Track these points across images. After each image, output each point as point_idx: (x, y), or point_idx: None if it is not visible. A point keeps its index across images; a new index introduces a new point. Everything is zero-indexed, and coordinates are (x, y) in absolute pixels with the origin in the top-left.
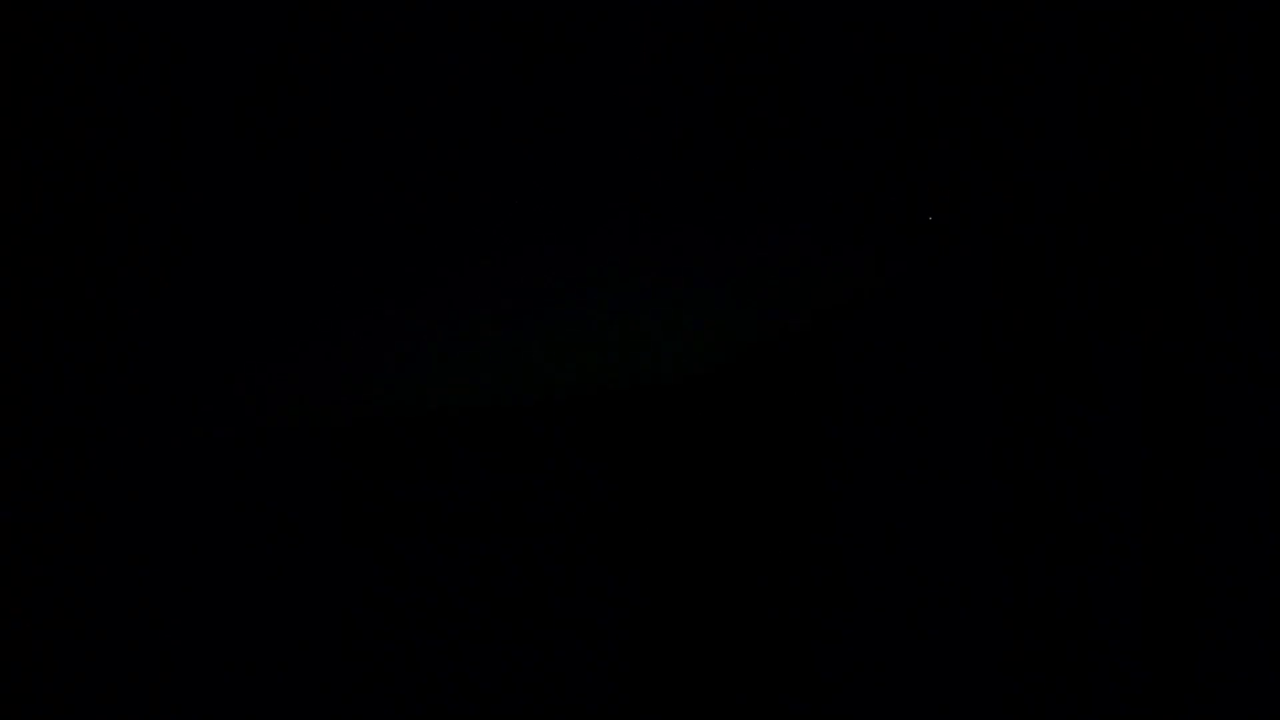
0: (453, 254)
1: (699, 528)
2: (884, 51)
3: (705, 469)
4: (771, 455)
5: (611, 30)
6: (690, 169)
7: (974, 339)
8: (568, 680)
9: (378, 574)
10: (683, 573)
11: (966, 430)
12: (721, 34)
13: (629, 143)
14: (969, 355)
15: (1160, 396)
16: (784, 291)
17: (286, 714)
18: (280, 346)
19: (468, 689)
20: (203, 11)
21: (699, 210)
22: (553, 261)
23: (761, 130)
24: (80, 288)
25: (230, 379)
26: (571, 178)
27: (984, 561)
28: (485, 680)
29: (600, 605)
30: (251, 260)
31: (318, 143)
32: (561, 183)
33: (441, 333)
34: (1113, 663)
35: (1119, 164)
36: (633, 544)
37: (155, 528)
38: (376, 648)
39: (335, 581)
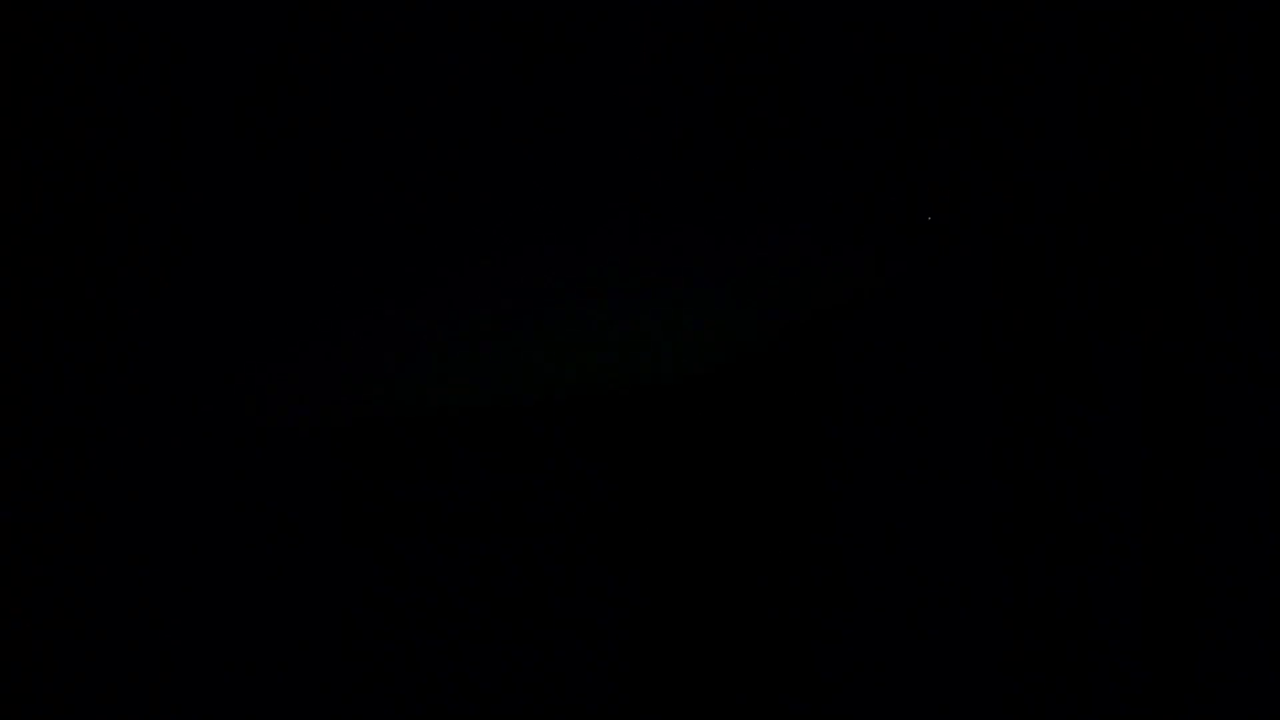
0: (453, 254)
1: (699, 528)
2: (884, 51)
3: (705, 469)
4: (771, 455)
5: (611, 30)
6: (690, 169)
7: (974, 339)
8: (568, 680)
9: (378, 574)
10: (683, 573)
11: (966, 430)
12: (721, 34)
13: (629, 143)
14: (969, 355)
15: (1160, 396)
16: (784, 291)
17: (287, 714)
18: (280, 346)
19: (468, 689)
20: (203, 11)
21: (699, 210)
22: (553, 261)
23: (761, 130)
24: (80, 288)
25: (230, 379)
26: (571, 178)
27: (984, 561)
28: (485, 680)
29: (600, 605)
30: (251, 260)
31: (318, 143)
32: (561, 183)
33: (441, 333)
34: (1113, 663)
35: (1119, 164)
36: (633, 544)
37: (155, 527)
38: (376, 648)
39: (335, 581)
